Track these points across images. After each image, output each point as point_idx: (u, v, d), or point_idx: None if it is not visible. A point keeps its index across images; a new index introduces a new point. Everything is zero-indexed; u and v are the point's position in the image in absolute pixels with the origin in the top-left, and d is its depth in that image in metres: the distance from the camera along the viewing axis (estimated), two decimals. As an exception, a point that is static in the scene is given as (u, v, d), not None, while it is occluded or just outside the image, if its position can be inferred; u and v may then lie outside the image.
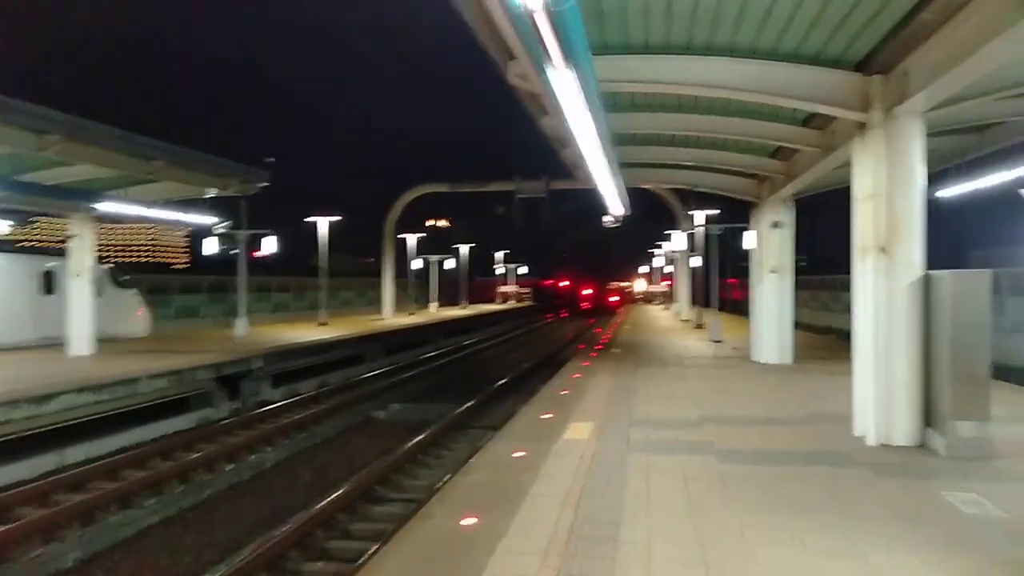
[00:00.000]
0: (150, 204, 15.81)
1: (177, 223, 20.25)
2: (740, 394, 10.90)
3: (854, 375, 7.81)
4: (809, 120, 10.65)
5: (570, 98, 6.63)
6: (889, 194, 7.50)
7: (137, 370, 12.92)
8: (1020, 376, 12.31)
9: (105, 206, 14.46)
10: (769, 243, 15.34)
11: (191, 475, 10.30)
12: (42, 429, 10.69)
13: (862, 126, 7.84)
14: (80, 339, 15.99)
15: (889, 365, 7.27)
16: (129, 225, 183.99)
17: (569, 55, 5.37)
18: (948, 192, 12.93)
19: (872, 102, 7.73)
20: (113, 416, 12.07)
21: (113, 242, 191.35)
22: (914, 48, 7.00)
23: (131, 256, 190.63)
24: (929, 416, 7.07)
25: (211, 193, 15.81)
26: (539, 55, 5.42)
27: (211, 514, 9.22)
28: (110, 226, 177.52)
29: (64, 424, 11.08)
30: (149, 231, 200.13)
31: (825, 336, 25.78)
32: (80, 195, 14.35)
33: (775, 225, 15.24)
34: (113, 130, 12.17)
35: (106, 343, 17.19)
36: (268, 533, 8.08)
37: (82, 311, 16.14)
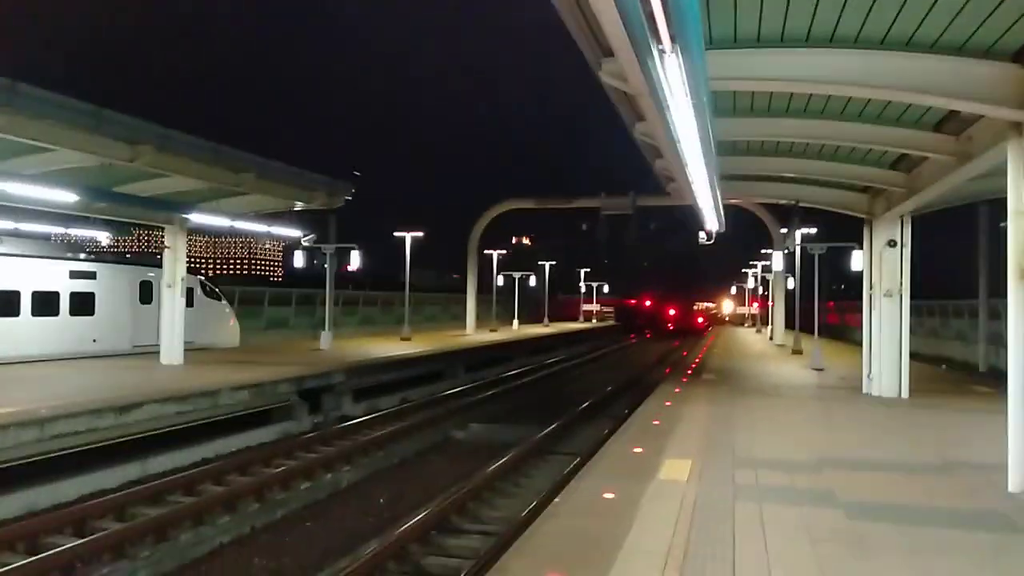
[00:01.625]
0: (240, 217, 15.94)
1: (267, 235, 20.63)
2: (857, 432, 9.72)
3: (1010, 419, 6.62)
4: (941, 124, 9.46)
5: (675, 96, 5.88)
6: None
7: (220, 381, 12.89)
8: None
9: (195, 217, 14.64)
10: (883, 264, 13.96)
11: (266, 493, 10.03)
12: (125, 438, 10.68)
13: (1019, 127, 6.72)
14: (171, 349, 16.24)
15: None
16: (227, 238, 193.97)
17: (682, 42, 4.64)
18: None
19: (1032, 98, 6.62)
20: (196, 427, 12.03)
21: (213, 255, 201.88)
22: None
23: (229, 269, 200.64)
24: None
25: (298, 206, 15.81)
26: (645, 42, 4.72)
27: (281, 536, 8.86)
28: (209, 239, 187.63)
29: (148, 433, 11.06)
30: (246, 244, 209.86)
31: (935, 366, 23.64)
32: (172, 207, 14.58)
33: (891, 244, 13.87)
34: (202, 141, 12.23)
35: (196, 353, 17.45)
36: (335, 564, 7.60)
37: (173, 321, 16.38)
